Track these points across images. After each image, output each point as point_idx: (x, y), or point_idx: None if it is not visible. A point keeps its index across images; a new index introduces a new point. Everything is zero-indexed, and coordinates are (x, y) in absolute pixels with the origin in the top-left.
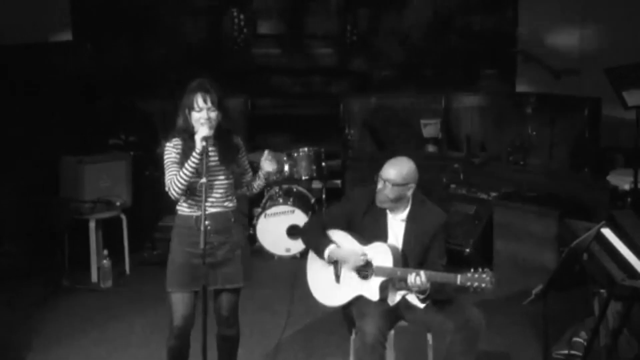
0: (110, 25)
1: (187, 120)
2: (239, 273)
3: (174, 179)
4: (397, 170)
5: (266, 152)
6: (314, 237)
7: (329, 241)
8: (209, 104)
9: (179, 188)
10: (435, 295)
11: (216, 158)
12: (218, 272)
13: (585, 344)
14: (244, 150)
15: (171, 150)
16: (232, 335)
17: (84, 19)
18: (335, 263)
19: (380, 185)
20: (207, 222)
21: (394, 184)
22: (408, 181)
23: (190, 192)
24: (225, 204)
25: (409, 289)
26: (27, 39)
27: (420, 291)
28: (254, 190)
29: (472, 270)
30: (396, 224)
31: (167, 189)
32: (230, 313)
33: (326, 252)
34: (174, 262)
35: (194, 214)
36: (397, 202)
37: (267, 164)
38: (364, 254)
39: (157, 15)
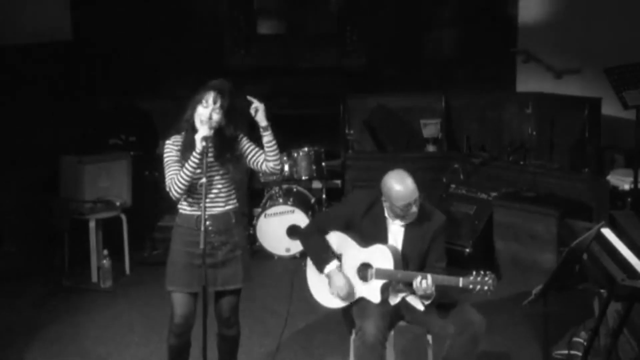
0: (110, 25)
1: (193, 114)
2: (239, 274)
3: (175, 179)
4: (412, 186)
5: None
6: (314, 248)
7: (331, 256)
8: (218, 104)
9: (179, 188)
10: (439, 299)
11: (213, 158)
12: (218, 272)
13: (585, 344)
14: (246, 146)
15: (171, 148)
16: (233, 335)
17: (84, 19)
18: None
19: (413, 209)
20: (207, 222)
21: (418, 197)
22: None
23: (191, 191)
24: (226, 204)
25: (409, 291)
26: (27, 39)
27: (425, 296)
28: (270, 156)
29: (474, 273)
30: (396, 228)
31: (167, 189)
32: (231, 313)
33: (326, 270)
34: (174, 262)
35: (195, 213)
36: None
37: (255, 104)
38: (354, 295)
39: (157, 15)
